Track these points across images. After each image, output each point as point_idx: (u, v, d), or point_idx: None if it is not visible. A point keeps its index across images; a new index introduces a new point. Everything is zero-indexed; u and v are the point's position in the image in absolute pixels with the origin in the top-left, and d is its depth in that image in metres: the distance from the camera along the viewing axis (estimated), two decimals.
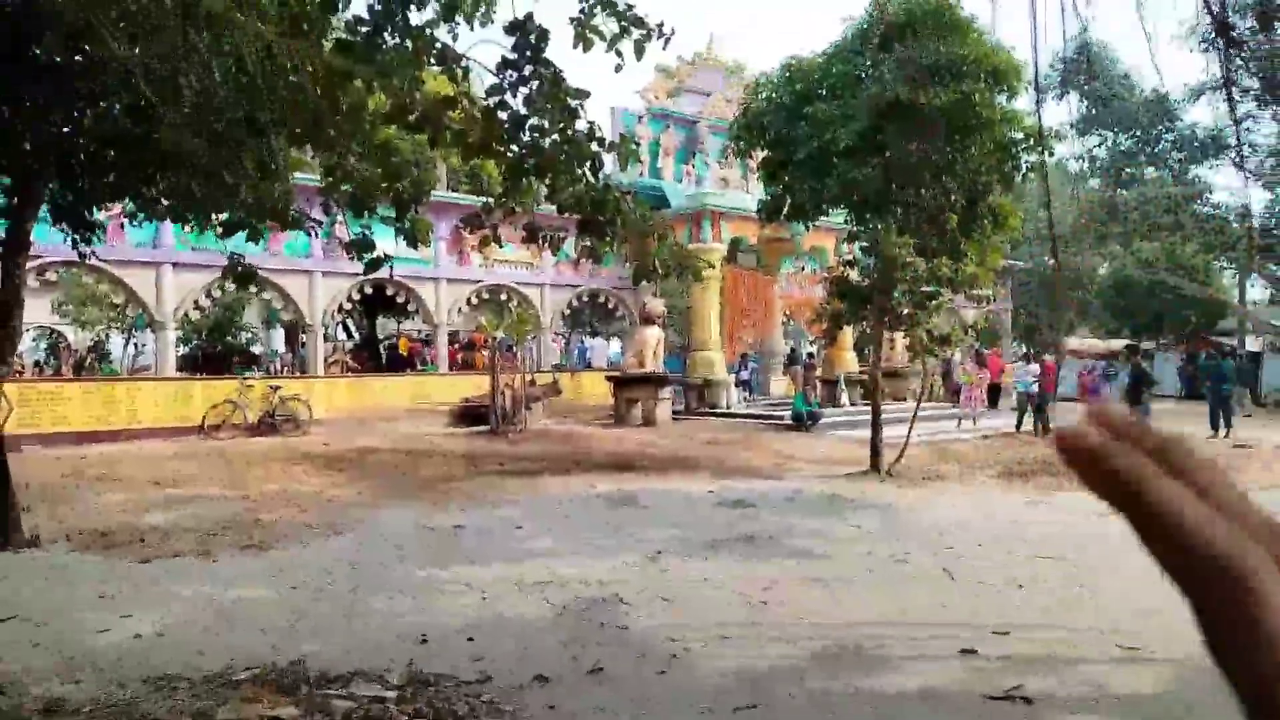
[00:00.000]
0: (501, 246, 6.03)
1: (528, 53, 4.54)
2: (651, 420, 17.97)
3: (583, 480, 11.15)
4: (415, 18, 4.84)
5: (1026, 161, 11.47)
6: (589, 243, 5.38)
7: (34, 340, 30.08)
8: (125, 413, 15.54)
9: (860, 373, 20.45)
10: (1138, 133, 26.37)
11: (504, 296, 20.61)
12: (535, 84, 4.54)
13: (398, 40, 4.78)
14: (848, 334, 20.74)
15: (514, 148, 4.71)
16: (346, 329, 27.20)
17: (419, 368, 22.11)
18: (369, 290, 18.96)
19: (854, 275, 12.23)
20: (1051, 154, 11.69)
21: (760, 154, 13.01)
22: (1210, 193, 26.79)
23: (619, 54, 4.89)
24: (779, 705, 3.98)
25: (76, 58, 5.25)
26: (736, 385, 21.01)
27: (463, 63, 4.73)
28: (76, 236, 7.25)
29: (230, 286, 14.77)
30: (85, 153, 6.41)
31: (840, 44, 11.98)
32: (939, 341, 11.84)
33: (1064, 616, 5.37)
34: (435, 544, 7.47)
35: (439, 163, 20.07)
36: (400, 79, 4.63)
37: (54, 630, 5.07)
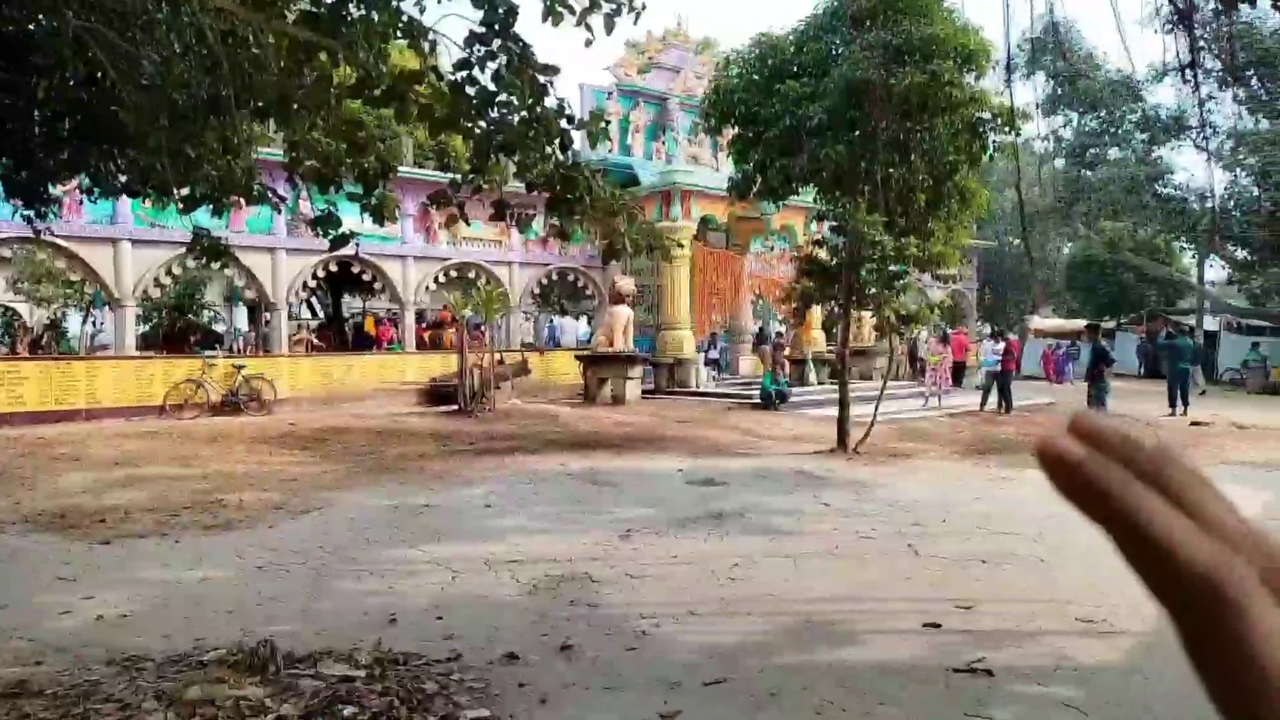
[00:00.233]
0: (469, 224, 5.96)
1: (496, 27, 4.47)
2: (621, 399, 17.99)
3: (552, 459, 11.15)
4: None
5: (994, 141, 11.56)
6: (558, 221, 5.34)
7: None
8: (84, 392, 15.25)
9: (828, 352, 20.60)
10: (1102, 113, 26.62)
11: (472, 274, 20.44)
12: (504, 59, 4.48)
13: (363, 12, 4.69)
14: (816, 313, 20.81)
15: (482, 124, 4.64)
16: (311, 307, 26.84)
17: (386, 346, 21.90)
18: (334, 268, 18.68)
19: (823, 254, 12.29)
20: (1019, 134, 11.77)
21: (731, 131, 12.98)
22: (1172, 173, 27.17)
23: (589, 29, 4.84)
24: (747, 679, 4.03)
25: (30, 27, 5.09)
26: (706, 364, 21.08)
27: (429, 36, 4.65)
28: (31, 213, 7.05)
29: (191, 263, 14.52)
30: (39, 126, 6.22)
31: (811, 21, 11.96)
32: (906, 321, 11.95)
33: (1025, 590, 5.48)
34: (403, 523, 7.44)
35: (406, 138, 19.79)
36: (366, 52, 4.54)
37: (13, 613, 4.99)
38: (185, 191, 5.90)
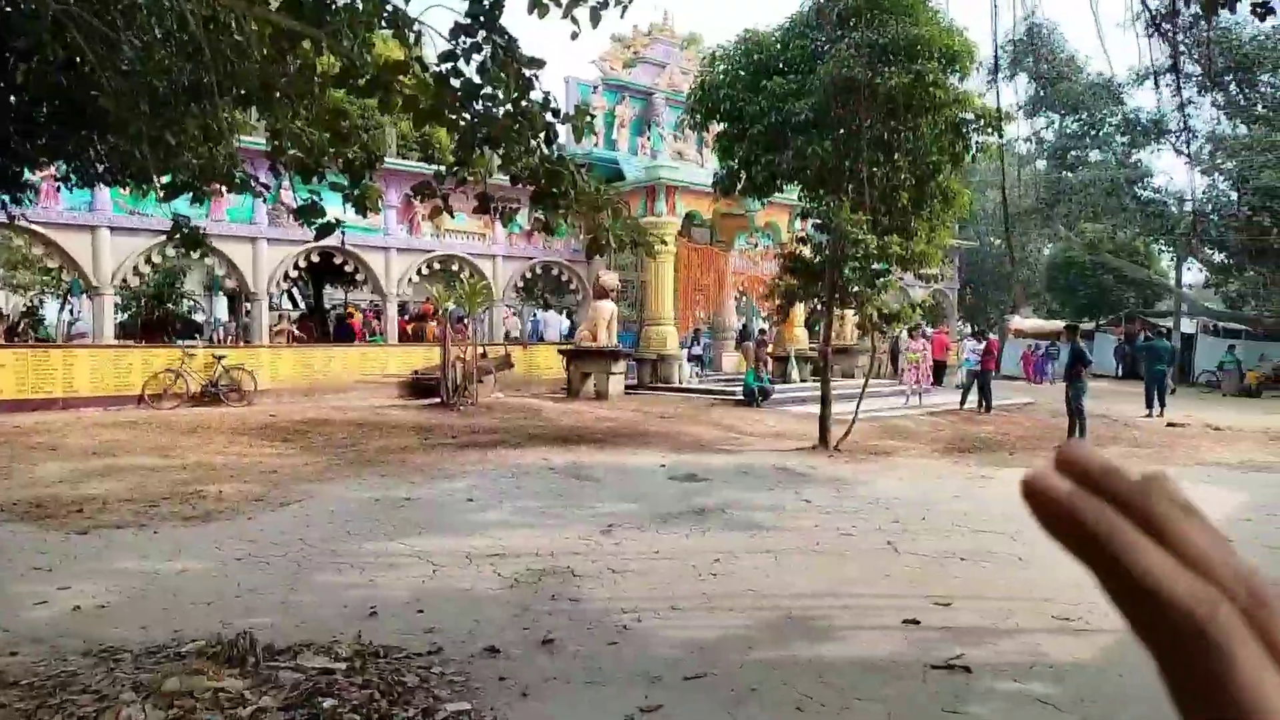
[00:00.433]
0: (453, 216, 5.94)
1: (481, 19, 4.45)
2: (604, 394, 17.98)
3: (535, 453, 11.13)
4: None
5: (977, 142, 11.63)
6: (542, 215, 5.32)
7: None
8: (61, 381, 15.07)
9: (811, 349, 20.68)
10: (1084, 116, 26.86)
11: (456, 267, 20.34)
12: (489, 51, 4.46)
13: (348, 1, 4.65)
14: (799, 311, 20.94)
15: (466, 116, 4.62)
16: (292, 298, 26.63)
17: (367, 338, 21.78)
18: (316, 258, 18.55)
19: (806, 252, 12.33)
20: (1002, 135, 11.85)
21: (716, 127, 12.99)
22: (1151, 177, 27.46)
23: (575, 22, 4.83)
24: (728, 674, 4.05)
25: (8, 9, 5.02)
26: (689, 360, 21.10)
27: (414, 27, 4.62)
28: (6, 198, 6.96)
29: (171, 252, 14.37)
30: (16, 111, 6.14)
31: (797, 19, 11.98)
32: (888, 319, 12.01)
33: (1003, 588, 5.53)
34: (384, 516, 7.41)
35: (390, 129, 19.66)
36: (350, 41, 4.51)
37: None
38: (166, 179, 5.85)
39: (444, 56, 4.62)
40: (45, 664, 3.94)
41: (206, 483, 8.73)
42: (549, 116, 4.87)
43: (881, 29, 10.66)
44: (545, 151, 4.95)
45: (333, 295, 28.28)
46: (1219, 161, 24.54)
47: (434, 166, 5.52)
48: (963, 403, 17.85)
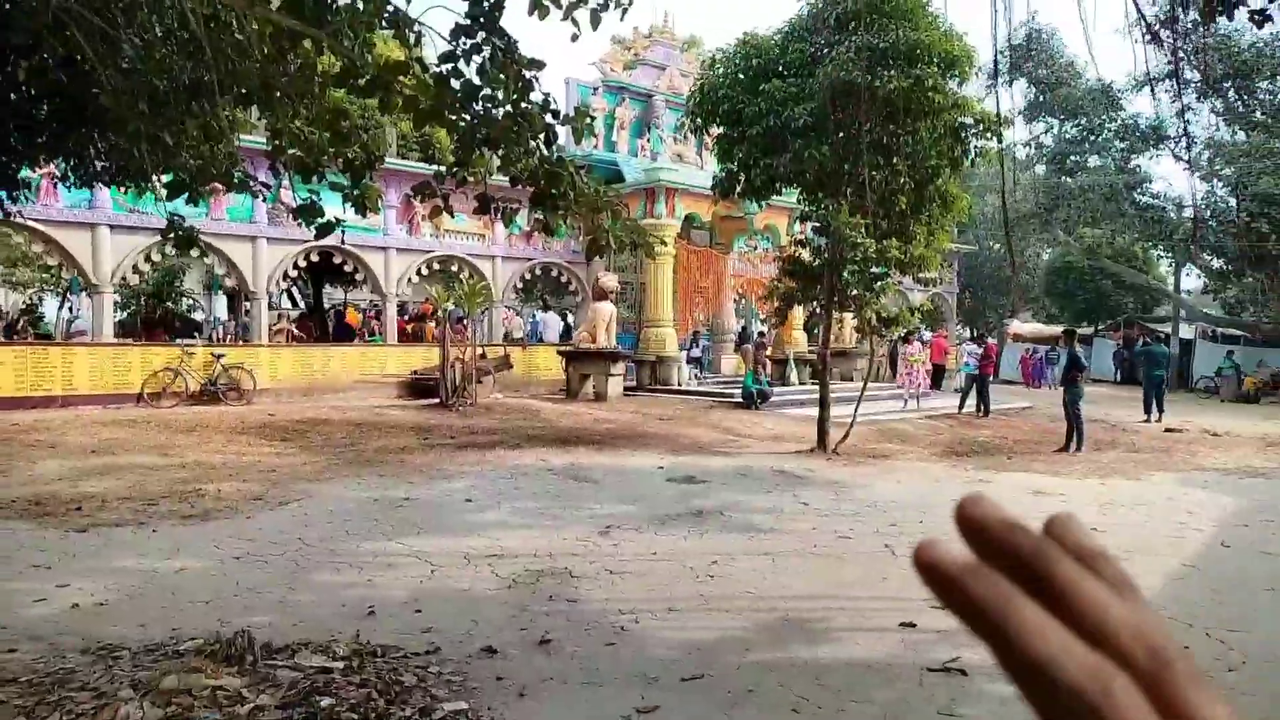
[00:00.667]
0: (453, 216, 5.97)
1: (481, 20, 4.46)
2: (603, 396, 17.99)
3: (534, 454, 11.14)
4: None
5: (976, 146, 11.66)
6: (542, 216, 5.33)
7: None
8: (60, 378, 15.07)
9: (810, 352, 20.69)
10: (1082, 121, 26.90)
11: (455, 268, 20.35)
12: (488, 53, 4.47)
13: (348, 1, 4.66)
14: (798, 314, 20.95)
15: (466, 117, 4.63)
16: (291, 297, 26.64)
17: (367, 338, 21.79)
18: (315, 258, 18.56)
19: (805, 255, 12.35)
20: (1001, 140, 11.87)
21: (716, 130, 13.01)
22: (1150, 182, 27.49)
23: (575, 23, 4.84)
24: (724, 675, 4.05)
25: (7, 6, 5.02)
26: (688, 362, 21.11)
27: (415, 27, 4.63)
28: (4, 195, 6.97)
29: (170, 250, 14.37)
30: (15, 108, 6.15)
31: (796, 22, 12.00)
32: (886, 323, 12.04)
33: None
34: (383, 516, 7.42)
35: (390, 129, 19.67)
36: (350, 41, 4.52)
37: None
38: (167, 178, 5.86)
39: (444, 57, 4.63)
40: (44, 661, 3.94)
41: (205, 481, 8.73)
42: (548, 118, 4.88)
43: (881, 33, 10.68)
44: (545, 153, 4.96)
45: (332, 295, 28.28)
46: (1218, 168, 24.57)
47: (434, 167, 5.53)
48: (961, 406, 17.87)
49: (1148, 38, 5.65)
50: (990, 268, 36.17)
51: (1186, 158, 22.70)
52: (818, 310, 12.46)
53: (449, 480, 9.21)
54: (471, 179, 5.24)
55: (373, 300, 24.05)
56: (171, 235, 6.06)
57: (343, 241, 7.32)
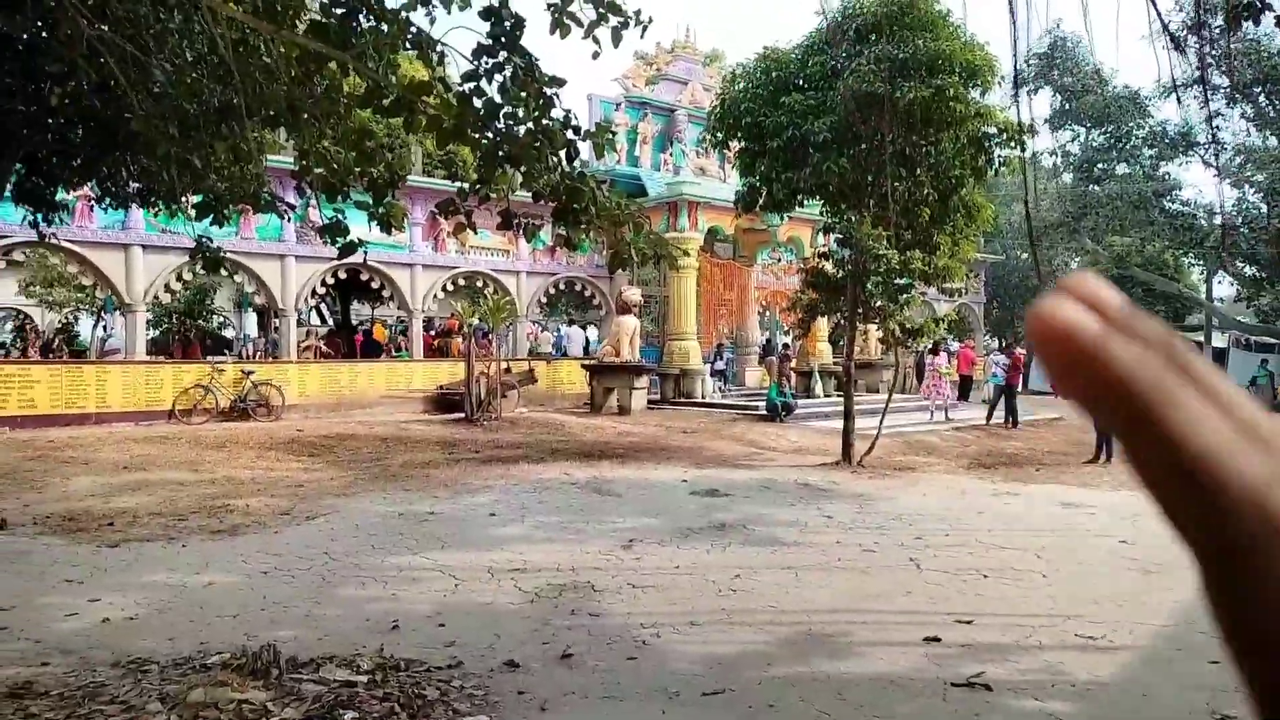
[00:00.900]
0: (476, 233, 6.04)
1: (503, 39, 4.53)
2: (627, 409, 18.01)
3: (557, 468, 11.17)
4: (390, 0, 4.82)
5: (1000, 156, 11.59)
6: (564, 231, 5.38)
7: (0, 321, 29.60)
8: (94, 396, 15.35)
9: (835, 364, 20.59)
10: (1110, 128, 26.66)
11: (480, 283, 20.51)
12: (510, 71, 4.53)
13: (373, 23, 4.75)
14: (823, 325, 20.86)
15: (488, 135, 4.70)
16: (321, 314, 26.95)
17: (393, 354, 21.98)
18: (343, 275, 18.79)
19: (829, 267, 12.33)
20: (1024, 149, 11.79)
21: (737, 144, 13.04)
22: (1180, 189, 27.16)
23: (596, 41, 4.90)
24: (745, 690, 4.04)
25: (44, 34, 5.17)
26: (712, 375, 21.09)
27: (437, 48, 4.71)
28: (39, 216, 7.14)
29: (200, 270, 14.64)
30: (51, 133, 6.31)
31: (816, 36, 12.03)
32: (911, 334, 11.97)
33: (1025, 605, 5.48)
34: (408, 530, 7.47)
35: (414, 147, 19.90)
36: (375, 63, 4.60)
37: (21, 614, 5.03)
38: (197, 200, 5.98)
39: (466, 76, 4.71)
40: (75, 675, 4.01)
41: (234, 497, 8.84)
42: (569, 134, 4.93)
43: (901, 44, 10.68)
44: (566, 168, 5.01)
45: (360, 311, 28.57)
46: (1249, 174, 24.23)
47: (458, 184, 5.59)
48: (989, 418, 17.69)
49: (1171, 44, 5.61)
50: (1018, 277, 35.82)
51: (1216, 165, 22.38)
52: (842, 322, 12.42)
53: (473, 495, 9.27)
54: (494, 195, 5.30)
55: (400, 316, 24.28)
56: (199, 256, 6.17)
57: (365, 259, 7.40)
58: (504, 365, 18.03)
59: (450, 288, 20.20)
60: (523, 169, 4.93)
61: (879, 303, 11.62)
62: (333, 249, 5.65)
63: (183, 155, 5.17)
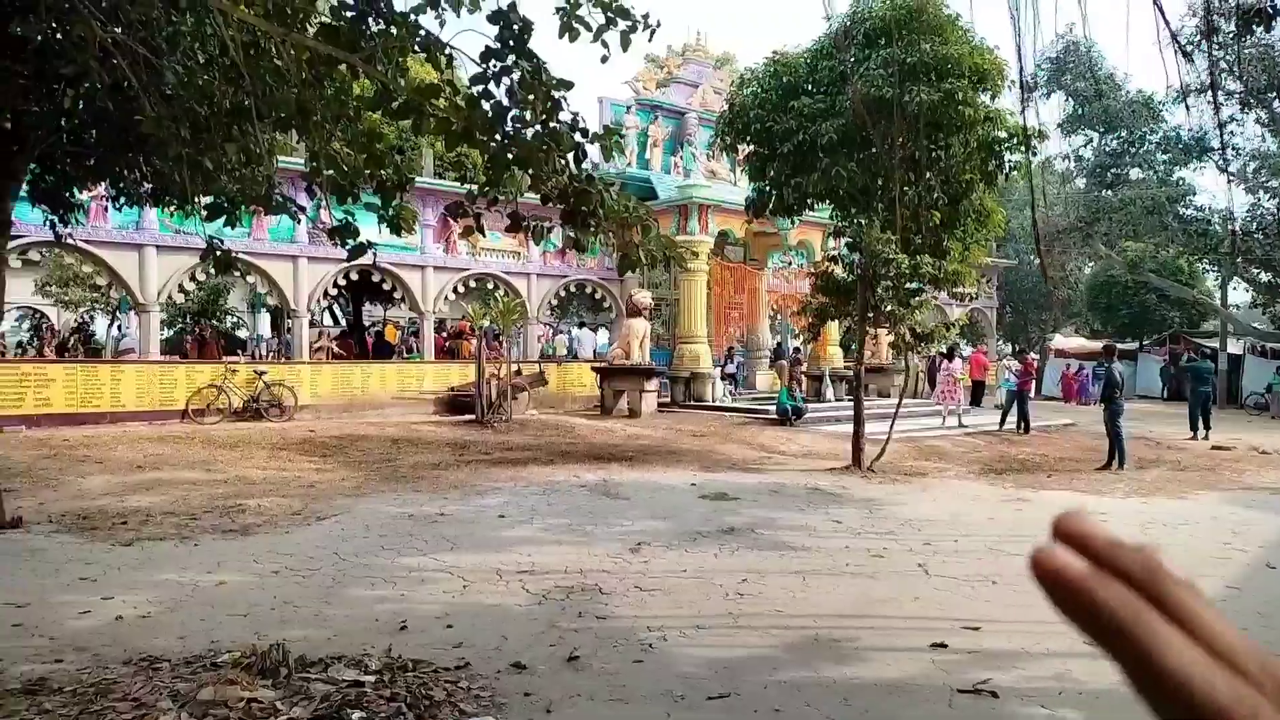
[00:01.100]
0: (485, 235, 6.05)
1: (511, 43, 4.55)
2: (637, 412, 18.02)
3: (566, 470, 11.19)
4: (400, 3, 4.85)
5: (1010, 161, 11.54)
6: (573, 233, 5.40)
7: (16, 321, 29.87)
8: (109, 395, 15.47)
9: (846, 368, 20.55)
10: (1123, 133, 26.51)
11: (491, 285, 20.57)
12: (517, 75, 4.56)
13: (382, 27, 4.79)
14: (834, 330, 20.85)
15: (496, 137, 4.72)
16: (334, 315, 27.09)
17: (405, 355, 22.06)
18: (355, 276, 18.89)
19: (839, 271, 12.31)
20: (1035, 154, 11.73)
21: (746, 148, 13.04)
22: (1194, 195, 26.98)
23: (605, 45, 4.92)
24: (751, 695, 4.04)
25: (57, 37, 5.22)
26: (722, 379, 21.07)
27: (446, 51, 4.74)
28: (55, 217, 7.22)
29: (213, 270, 14.76)
30: (66, 134, 6.38)
31: (825, 40, 12.01)
32: (921, 339, 11.94)
33: (1035, 612, 5.44)
34: (418, 531, 7.50)
35: (426, 150, 19.97)
36: (385, 66, 4.63)
37: (35, 611, 5.08)
38: (208, 201, 6.03)
39: (474, 79, 4.73)
40: (88, 672, 4.05)
41: (246, 497, 8.90)
42: (577, 137, 4.95)
43: (910, 48, 10.65)
44: (574, 171, 5.03)
45: (372, 312, 28.69)
46: (1263, 179, 24.05)
47: (468, 186, 5.62)
48: (1001, 423, 17.62)
49: (1178, 50, 5.58)
50: (1031, 282, 35.64)
51: (1230, 170, 22.23)
52: (854, 325, 12.40)
53: (482, 496, 9.29)
54: (502, 198, 5.33)
55: (411, 318, 24.36)
56: (211, 257, 6.22)
57: (375, 260, 7.44)
58: (514, 367, 18.07)
59: (461, 289, 20.27)
60: (531, 171, 4.96)
61: (889, 307, 11.59)
62: (344, 250, 5.69)
63: (194, 156, 5.21)
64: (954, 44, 10.80)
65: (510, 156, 4.78)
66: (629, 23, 4.91)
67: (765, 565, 6.53)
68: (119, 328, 23.24)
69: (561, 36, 4.86)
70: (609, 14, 4.83)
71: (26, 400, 14.62)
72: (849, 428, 12.68)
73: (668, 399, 19.69)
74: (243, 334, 27.92)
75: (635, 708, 3.88)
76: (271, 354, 21.97)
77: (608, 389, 18.88)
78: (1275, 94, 22.79)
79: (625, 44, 5.00)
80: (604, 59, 5.16)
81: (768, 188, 12.46)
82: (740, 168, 16.88)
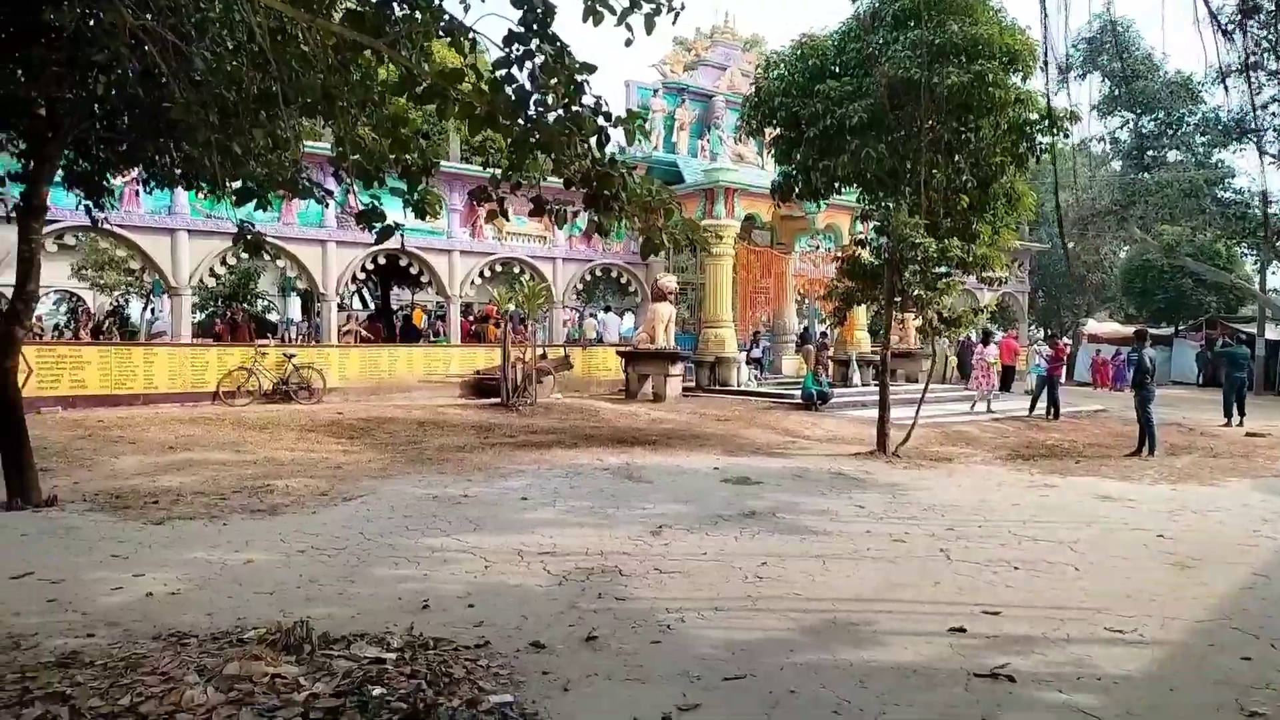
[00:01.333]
0: (509, 219, 6.10)
1: (534, 26, 4.55)
2: (662, 396, 18.05)
3: (590, 454, 11.25)
4: None
5: (1041, 143, 11.37)
6: (596, 217, 5.41)
7: (54, 304, 30.47)
8: (142, 377, 15.76)
9: (873, 353, 20.42)
10: (1161, 115, 25.96)
11: (517, 269, 20.65)
12: (540, 59, 4.56)
13: (406, 12, 4.81)
14: (861, 314, 20.72)
15: (519, 121, 4.73)
16: (363, 298, 27.35)
17: (432, 339, 22.23)
18: (383, 260, 19.04)
19: (866, 255, 12.22)
20: (1067, 136, 11.53)
21: (773, 132, 12.95)
22: (1233, 177, 26.39)
23: (629, 28, 4.90)
24: (767, 676, 4.07)
25: (90, 24, 5.31)
26: (748, 363, 21.03)
27: (469, 35, 4.75)
28: (89, 202, 7.36)
29: (243, 254, 14.97)
30: (99, 119, 6.49)
31: (853, 23, 11.87)
32: (949, 323, 11.84)
33: (1055, 597, 5.43)
34: (442, 513, 7.59)
35: (452, 135, 20.03)
36: (409, 50, 4.66)
37: (69, 587, 5.21)
38: (238, 185, 6.12)
39: (497, 64, 4.74)
40: (118, 646, 4.16)
41: (275, 478, 9.05)
42: (600, 121, 4.95)
43: (939, 29, 10.50)
44: (596, 155, 5.03)
45: (400, 296, 28.92)
46: None
47: (493, 170, 5.65)
48: (1031, 409, 17.45)
49: (1218, 29, 5.47)
50: (1064, 266, 35.14)
51: (1272, 152, 21.71)
52: (881, 311, 12.32)
53: (506, 479, 9.38)
54: (525, 182, 5.35)
55: (438, 301, 24.52)
56: (241, 240, 6.31)
57: (403, 244, 7.51)
58: (540, 351, 18.16)
59: (487, 274, 20.37)
60: (553, 156, 4.97)
61: (916, 291, 11.50)
62: (371, 235, 5.75)
63: (223, 141, 5.28)
64: (984, 24, 10.63)
65: (533, 140, 4.80)
66: (653, 5, 4.89)
67: (785, 549, 6.54)
68: (152, 311, 23.64)
69: (585, 20, 4.85)
70: None
71: (63, 381, 14.93)
72: (875, 413, 12.62)
73: (693, 383, 19.69)
74: (273, 317, 28.29)
75: (652, 687, 3.92)
76: (301, 337, 22.24)
77: (632, 373, 18.92)
78: None
79: (650, 27, 4.98)
80: (628, 42, 5.14)
81: (795, 171, 12.37)
82: (768, 151, 16.75)
